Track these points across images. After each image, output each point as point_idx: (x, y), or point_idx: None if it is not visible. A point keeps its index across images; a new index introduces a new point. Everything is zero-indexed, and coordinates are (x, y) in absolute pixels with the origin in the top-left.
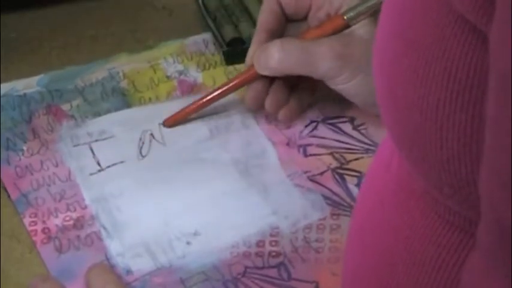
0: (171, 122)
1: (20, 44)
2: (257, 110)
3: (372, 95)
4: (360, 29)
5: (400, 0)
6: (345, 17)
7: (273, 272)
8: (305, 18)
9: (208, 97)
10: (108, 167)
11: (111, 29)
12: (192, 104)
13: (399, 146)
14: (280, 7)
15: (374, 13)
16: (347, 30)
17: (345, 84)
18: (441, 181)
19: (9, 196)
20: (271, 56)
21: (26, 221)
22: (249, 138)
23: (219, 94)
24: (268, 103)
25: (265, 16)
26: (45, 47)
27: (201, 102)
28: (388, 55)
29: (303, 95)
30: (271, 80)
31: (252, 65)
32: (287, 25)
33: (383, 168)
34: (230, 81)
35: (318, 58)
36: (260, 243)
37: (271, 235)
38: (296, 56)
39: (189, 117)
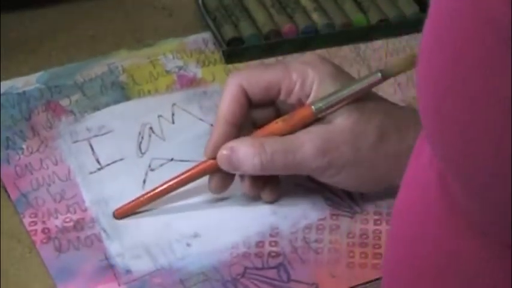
0: (122, 213)
1: (20, 44)
2: (223, 191)
3: (364, 182)
4: (338, 117)
5: (445, 12)
6: (313, 108)
7: (272, 273)
8: (271, 104)
9: (161, 188)
10: (108, 165)
11: (111, 29)
12: (144, 194)
13: (446, 164)
14: (245, 96)
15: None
16: (325, 120)
17: (333, 179)
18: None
19: (9, 196)
20: (250, 160)
21: (26, 221)
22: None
23: (172, 185)
24: (247, 188)
25: (228, 106)
26: (45, 47)
27: (153, 193)
28: (436, 72)
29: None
30: None
31: (213, 159)
32: (251, 111)
33: (420, 187)
34: (186, 171)
35: (303, 159)
36: (260, 244)
37: (270, 235)
38: (280, 159)
39: (141, 209)
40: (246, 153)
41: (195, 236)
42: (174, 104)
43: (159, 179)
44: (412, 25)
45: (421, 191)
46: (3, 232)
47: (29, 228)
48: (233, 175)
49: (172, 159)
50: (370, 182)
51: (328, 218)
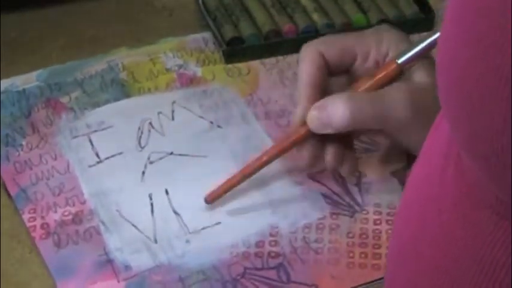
0: (213, 197)
1: (20, 44)
2: (314, 169)
3: None
4: (417, 74)
5: (472, 4)
6: (398, 62)
7: (272, 274)
8: (347, 71)
9: (252, 165)
10: (107, 158)
11: (111, 29)
12: (234, 175)
13: (473, 155)
14: (323, 60)
15: (424, 56)
16: (405, 78)
17: (417, 135)
18: None
19: (9, 196)
20: (340, 111)
21: (25, 217)
22: (248, 132)
23: (264, 162)
24: (330, 160)
25: (309, 70)
26: (45, 47)
27: (244, 171)
28: (461, 62)
29: (351, 142)
30: (323, 136)
31: (302, 125)
32: (328, 80)
33: (436, 177)
34: (277, 145)
35: (391, 109)
36: (260, 244)
37: (270, 235)
38: (369, 108)
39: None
40: (334, 106)
41: (195, 233)
42: (174, 102)
43: (158, 171)
44: (412, 25)
45: (438, 162)
46: (3, 232)
47: (28, 224)
48: (323, 146)
49: (171, 153)
50: None
51: (328, 217)
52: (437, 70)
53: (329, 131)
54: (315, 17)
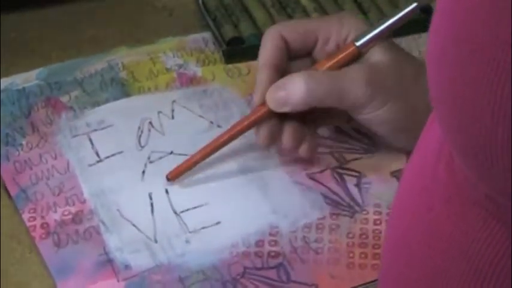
0: (175, 175)
1: (20, 44)
2: (269, 147)
3: (399, 122)
4: (377, 55)
5: (463, 2)
6: (357, 44)
7: (272, 274)
8: (308, 54)
9: (213, 143)
10: (107, 157)
11: (111, 29)
12: (197, 152)
13: (462, 152)
14: (284, 43)
15: (383, 38)
16: (365, 58)
17: (374, 112)
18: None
19: (9, 196)
20: (297, 89)
21: (25, 216)
22: (248, 132)
23: (226, 139)
24: (287, 140)
25: (269, 52)
26: (45, 47)
27: (206, 149)
28: (451, 60)
29: (314, 128)
30: (281, 116)
31: (262, 104)
32: (289, 63)
33: (428, 174)
34: (238, 123)
35: (348, 86)
36: (259, 243)
37: (270, 234)
38: (326, 86)
39: (195, 167)
40: (292, 84)
41: (195, 232)
42: (174, 101)
43: (158, 171)
44: (412, 25)
45: (430, 160)
46: (3, 232)
47: (28, 224)
48: (281, 125)
49: (171, 153)
50: (409, 122)
51: (327, 217)
52: (428, 67)
53: (287, 108)
54: (315, 17)
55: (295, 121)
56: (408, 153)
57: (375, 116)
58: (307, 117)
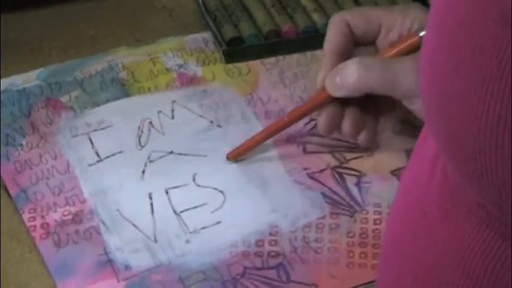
0: (235, 155)
1: (20, 44)
2: (330, 133)
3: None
4: None
5: (451, 13)
6: (420, 35)
7: (272, 273)
8: (372, 42)
9: (276, 125)
10: (107, 157)
11: (111, 29)
12: (257, 134)
13: (453, 161)
14: (349, 29)
15: None
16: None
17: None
18: (500, 198)
19: (9, 195)
20: (350, 74)
21: (25, 216)
22: (248, 131)
23: (287, 122)
24: (347, 127)
25: (334, 38)
26: (45, 47)
27: (267, 131)
28: (439, 70)
29: (375, 119)
30: (343, 104)
31: (323, 89)
32: (354, 50)
33: (424, 179)
34: (300, 107)
35: (400, 75)
36: (259, 243)
37: (270, 234)
38: (377, 73)
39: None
40: (346, 69)
41: (195, 232)
42: (174, 101)
43: (158, 170)
44: None
45: (426, 165)
46: (3, 232)
47: (28, 224)
48: (342, 112)
49: (171, 152)
50: None
51: (327, 217)
52: (420, 73)
53: (342, 93)
54: (315, 17)
55: (356, 109)
56: (409, 152)
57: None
58: (369, 107)
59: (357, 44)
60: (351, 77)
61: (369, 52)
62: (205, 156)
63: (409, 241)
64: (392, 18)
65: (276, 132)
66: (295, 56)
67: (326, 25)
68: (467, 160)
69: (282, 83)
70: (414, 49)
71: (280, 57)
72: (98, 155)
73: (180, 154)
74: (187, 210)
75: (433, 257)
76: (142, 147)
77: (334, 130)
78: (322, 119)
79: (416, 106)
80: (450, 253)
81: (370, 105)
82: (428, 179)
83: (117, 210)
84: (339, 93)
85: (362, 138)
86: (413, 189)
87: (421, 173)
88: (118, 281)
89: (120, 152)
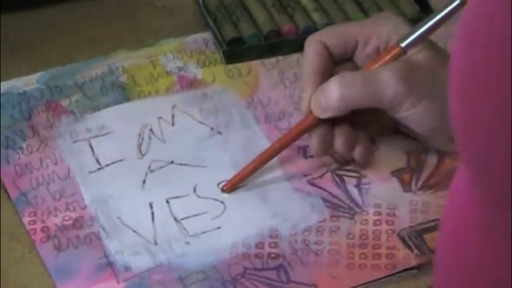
0: (230, 187)
1: (20, 44)
2: (324, 154)
3: (438, 120)
4: (417, 54)
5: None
6: (402, 45)
7: (272, 274)
8: (350, 59)
9: (265, 153)
10: (108, 165)
11: (111, 29)
12: (249, 164)
13: (480, 188)
14: (326, 50)
15: (426, 37)
16: (403, 57)
17: (410, 110)
18: None
19: (9, 196)
20: (333, 93)
21: (25, 220)
22: (249, 138)
23: (277, 148)
24: (340, 145)
25: (312, 60)
26: (45, 47)
27: (258, 160)
28: (466, 96)
29: (367, 131)
30: (332, 122)
31: (310, 112)
32: (333, 68)
33: (462, 198)
34: (289, 132)
35: (383, 85)
36: (259, 245)
37: (270, 237)
38: (359, 87)
39: (247, 178)
40: (328, 88)
41: (195, 236)
42: (174, 106)
43: (159, 180)
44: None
45: (460, 212)
46: (3, 232)
47: (28, 227)
48: (332, 131)
49: (172, 162)
50: (445, 122)
51: (328, 220)
52: (449, 100)
53: (330, 113)
54: (315, 17)
55: (346, 126)
56: (409, 152)
57: (412, 114)
58: (358, 122)
59: (336, 63)
60: (335, 95)
61: (349, 68)
62: (205, 167)
63: (451, 253)
64: (367, 32)
65: (268, 160)
66: (295, 56)
67: (326, 25)
68: (496, 188)
69: (282, 83)
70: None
71: (281, 58)
72: (98, 162)
73: (181, 164)
74: (187, 217)
75: (468, 278)
76: (143, 155)
77: (327, 150)
78: (313, 141)
79: (402, 114)
80: (484, 275)
81: (359, 120)
82: (465, 199)
83: (118, 218)
84: (325, 114)
85: (357, 153)
86: (454, 204)
87: (458, 200)
88: (118, 282)
89: (120, 160)
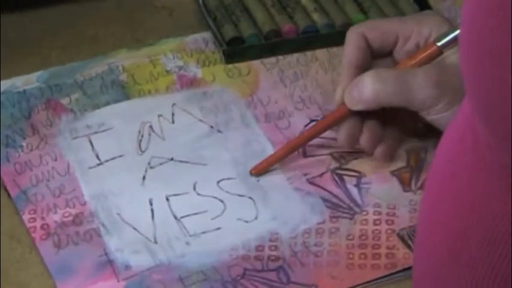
0: (259, 171)
1: (20, 44)
2: (350, 147)
3: None
4: (452, 55)
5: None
6: (438, 44)
7: (272, 275)
8: (389, 54)
9: (295, 141)
10: (107, 161)
11: (111, 29)
12: (279, 150)
13: (485, 121)
14: (366, 42)
15: None
16: (439, 58)
17: (441, 114)
18: None
19: (9, 195)
20: (366, 88)
21: (25, 217)
22: (249, 137)
23: (307, 137)
24: (365, 140)
25: (351, 52)
26: (45, 47)
27: (288, 146)
28: (479, 30)
29: (396, 131)
30: (363, 117)
31: (342, 104)
32: (372, 63)
33: (456, 142)
34: (320, 122)
35: (415, 87)
36: (259, 248)
37: (270, 240)
38: (392, 85)
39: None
40: (362, 82)
41: (195, 236)
42: (174, 104)
43: (158, 177)
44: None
45: (460, 131)
46: (3, 232)
47: (28, 225)
48: (360, 127)
49: (172, 159)
50: None
51: (327, 221)
52: (460, 44)
53: (360, 107)
54: (315, 17)
55: (375, 122)
56: (409, 151)
57: (442, 117)
58: (390, 120)
59: (374, 57)
60: (367, 90)
61: (387, 64)
62: (205, 164)
63: (439, 202)
64: (408, 28)
65: (297, 148)
66: (295, 56)
67: (326, 25)
68: (499, 115)
69: (282, 83)
70: (434, 58)
71: (280, 57)
72: (98, 157)
73: (181, 161)
74: (187, 216)
75: (459, 219)
76: (142, 152)
77: (354, 143)
78: (342, 132)
79: (435, 117)
80: (475, 215)
81: (391, 118)
82: (459, 141)
83: (118, 214)
84: (356, 107)
85: (378, 151)
86: (444, 151)
87: (455, 137)
88: (118, 281)
89: (120, 156)
